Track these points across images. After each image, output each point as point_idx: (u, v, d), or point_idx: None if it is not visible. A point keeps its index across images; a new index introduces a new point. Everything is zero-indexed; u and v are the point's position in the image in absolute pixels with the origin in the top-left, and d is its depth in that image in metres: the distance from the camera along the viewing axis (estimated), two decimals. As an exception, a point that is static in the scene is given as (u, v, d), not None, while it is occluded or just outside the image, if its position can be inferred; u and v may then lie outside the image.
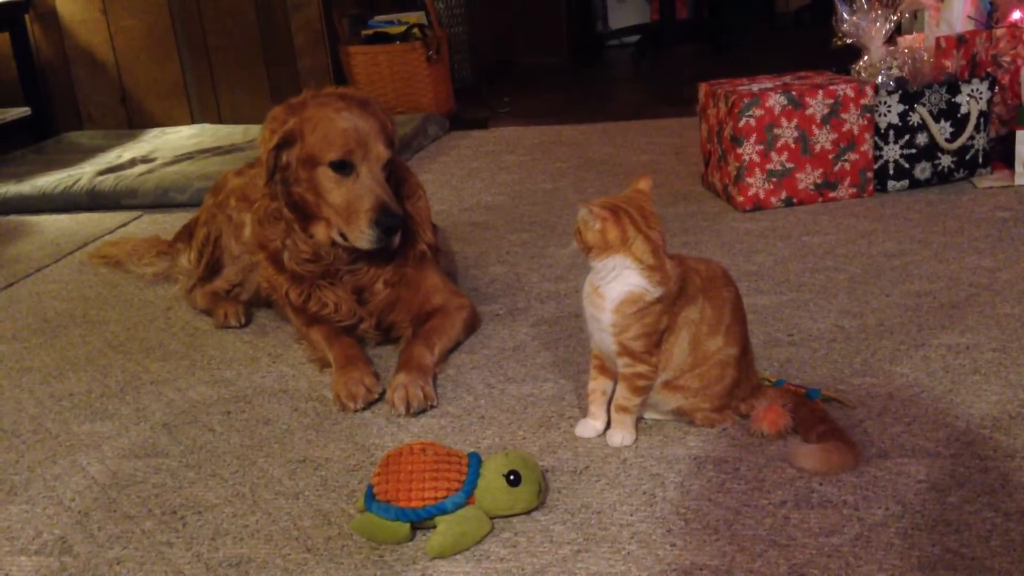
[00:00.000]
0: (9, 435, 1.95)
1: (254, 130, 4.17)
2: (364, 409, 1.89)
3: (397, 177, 2.14)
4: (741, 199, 2.83)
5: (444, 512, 1.44)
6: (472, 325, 2.20)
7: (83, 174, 3.80)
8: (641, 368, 1.61)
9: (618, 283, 1.58)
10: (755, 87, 2.85)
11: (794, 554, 1.34)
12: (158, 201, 3.56)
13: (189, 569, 1.46)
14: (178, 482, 1.71)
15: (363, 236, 2.00)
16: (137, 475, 1.74)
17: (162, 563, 1.48)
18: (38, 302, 2.71)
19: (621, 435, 1.66)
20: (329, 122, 2.00)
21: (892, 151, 2.85)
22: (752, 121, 2.76)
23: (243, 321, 2.39)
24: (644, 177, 1.66)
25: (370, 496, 1.48)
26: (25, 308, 2.67)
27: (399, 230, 2.02)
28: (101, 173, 3.81)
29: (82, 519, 1.62)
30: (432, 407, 1.86)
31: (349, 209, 2.00)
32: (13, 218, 3.63)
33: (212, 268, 2.48)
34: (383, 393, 1.93)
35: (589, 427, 1.71)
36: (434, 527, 1.44)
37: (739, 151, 2.79)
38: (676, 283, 1.59)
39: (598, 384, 1.70)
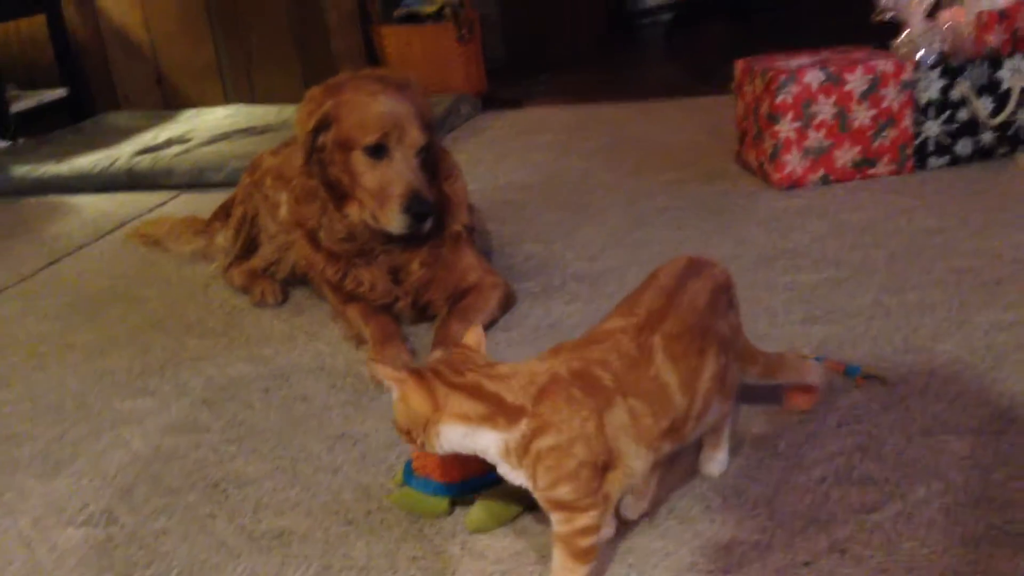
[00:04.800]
0: (54, 411, 1.98)
1: (288, 110, 4.18)
2: (401, 386, 1.90)
3: (434, 158, 2.14)
4: (777, 177, 2.80)
5: (483, 487, 1.44)
6: (507, 303, 2.20)
7: (121, 154, 3.84)
8: (582, 521, 1.22)
9: (482, 452, 1.24)
10: (792, 63, 2.82)
11: (835, 530, 1.34)
12: (194, 181, 3.59)
13: (232, 540, 1.48)
14: (219, 457, 1.73)
15: (394, 221, 2.00)
16: (179, 450, 1.77)
17: (205, 535, 1.50)
18: (79, 280, 2.75)
19: None
20: (364, 106, 2.00)
21: (932, 127, 2.81)
22: (789, 98, 2.73)
23: (280, 299, 2.41)
24: (472, 329, 1.34)
25: (409, 471, 1.49)
26: (67, 286, 2.71)
27: (429, 217, 2.02)
28: (138, 153, 3.85)
29: (127, 492, 1.65)
30: (469, 384, 1.87)
31: (381, 194, 2.00)
32: (53, 198, 3.68)
33: (249, 247, 2.50)
34: (420, 370, 1.94)
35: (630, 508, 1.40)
36: (473, 502, 1.45)
37: (775, 128, 2.76)
38: (545, 395, 1.21)
39: None
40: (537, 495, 1.23)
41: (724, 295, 1.41)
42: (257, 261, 2.48)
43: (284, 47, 4.67)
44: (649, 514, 1.41)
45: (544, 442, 1.19)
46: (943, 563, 1.25)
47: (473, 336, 1.31)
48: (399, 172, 2.00)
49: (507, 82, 4.94)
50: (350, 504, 1.54)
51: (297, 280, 2.46)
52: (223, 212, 2.71)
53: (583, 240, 2.60)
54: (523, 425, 1.20)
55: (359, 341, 2.10)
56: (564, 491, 1.20)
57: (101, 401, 2.00)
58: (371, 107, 2.00)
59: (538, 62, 5.56)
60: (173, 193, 3.55)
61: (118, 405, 1.97)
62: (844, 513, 1.37)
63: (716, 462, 1.50)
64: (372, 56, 4.56)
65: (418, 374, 1.23)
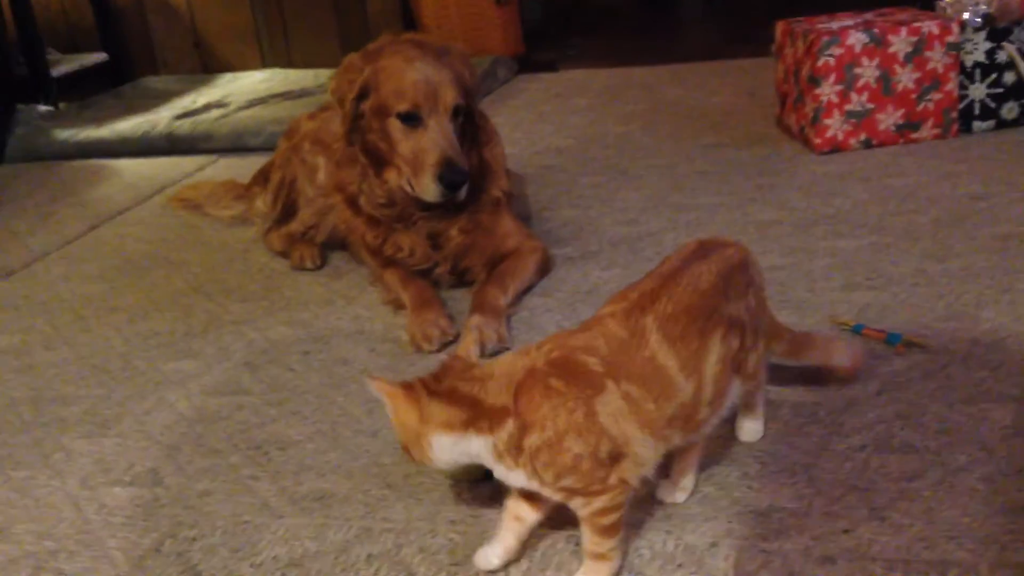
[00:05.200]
0: (100, 371, 2.02)
1: (324, 75, 4.18)
2: (439, 350, 1.92)
3: (473, 124, 2.13)
4: (818, 141, 2.76)
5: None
6: (545, 268, 2.20)
7: (160, 119, 3.87)
8: (599, 503, 1.20)
9: (477, 457, 1.23)
10: (835, 25, 2.77)
11: (874, 498, 1.33)
12: (233, 145, 3.62)
13: (275, 501, 1.51)
14: (261, 419, 1.76)
15: (427, 189, 2.00)
16: (222, 411, 1.80)
17: (249, 495, 1.53)
18: (121, 244, 2.78)
19: None
20: (400, 73, 2.00)
21: (978, 90, 2.75)
22: (831, 60, 2.68)
23: (318, 263, 2.43)
24: (467, 338, 1.35)
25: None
26: (110, 249, 2.75)
27: (463, 185, 2.01)
28: (178, 118, 3.87)
29: (172, 452, 1.68)
30: (506, 349, 1.88)
31: (416, 161, 2.01)
32: (94, 161, 3.72)
33: (287, 211, 2.52)
34: (457, 335, 1.95)
35: (486, 555, 1.31)
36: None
37: (817, 91, 2.72)
38: (524, 391, 1.18)
39: (517, 507, 1.29)
40: (544, 492, 1.21)
41: (739, 275, 1.34)
42: (296, 225, 2.50)
43: (321, 11, 4.66)
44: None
45: (533, 440, 1.17)
46: (983, 532, 1.25)
47: (464, 347, 1.29)
48: (433, 140, 1.99)
49: (543, 45, 4.90)
50: (389, 467, 1.56)
51: (335, 244, 2.47)
52: (262, 176, 2.72)
53: (621, 204, 2.59)
54: (509, 425, 1.17)
55: (397, 305, 2.11)
56: (569, 482, 1.18)
57: (146, 362, 2.03)
58: (407, 74, 2.00)
59: (575, 24, 5.51)
60: (212, 157, 3.58)
61: (162, 367, 2.01)
62: (884, 481, 1.37)
63: (751, 430, 1.49)
64: (409, 19, 4.53)
65: (407, 387, 1.22)
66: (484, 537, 1.36)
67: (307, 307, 2.21)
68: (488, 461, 1.22)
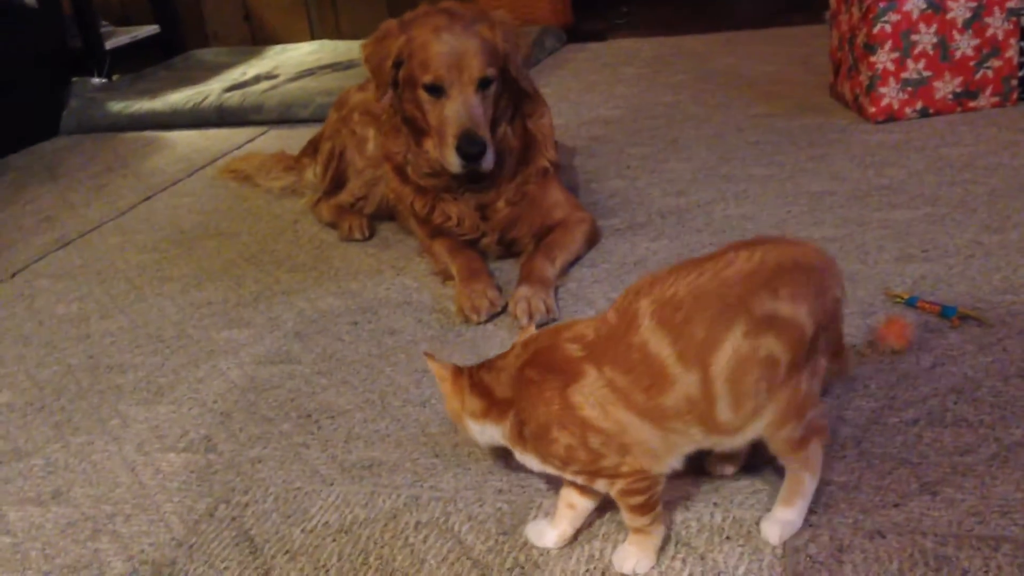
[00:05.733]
0: (154, 340, 2.06)
1: (373, 45, 4.19)
2: (487, 321, 1.92)
3: (519, 94, 2.12)
4: (873, 110, 2.71)
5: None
6: (592, 239, 2.19)
7: (211, 91, 3.91)
8: (621, 484, 1.19)
9: (500, 443, 1.27)
10: (891, -9, 2.71)
11: (926, 472, 1.32)
12: (282, 116, 3.64)
13: (325, 469, 1.53)
14: (311, 388, 1.78)
15: (449, 161, 2.00)
16: (273, 380, 1.82)
17: (300, 463, 1.55)
18: (174, 214, 2.82)
19: (635, 559, 1.23)
20: (427, 44, 1.99)
21: (1040, 57, 2.68)
22: (888, 27, 2.62)
23: (367, 234, 2.44)
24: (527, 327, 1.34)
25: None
26: (163, 220, 2.79)
27: (481, 157, 1.98)
28: (228, 90, 3.91)
29: (224, 420, 1.71)
30: (554, 320, 1.88)
31: (439, 131, 2.01)
32: (147, 133, 3.77)
33: (337, 182, 2.53)
34: (505, 306, 1.95)
35: (541, 532, 1.30)
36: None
37: (872, 59, 2.66)
38: (516, 394, 1.20)
39: (569, 495, 1.28)
40: (563, 476, 1.22)
41: (804, 276, 1.18)
42: (345, 196, 2.51)
43: (369, -19, 4.66)
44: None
45: (527, 431, 1.20)
46: (1039, 508, 1.23)
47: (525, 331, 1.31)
48: (454, 111, 1.98)
49: (592, 14, 4.85)
50: (438, 437, 1.57)
51: (384, 215, 2.48)
52: (311, 148, 2.74)
53: (669, 175, 2.57)
54: (511, 417, 1.21)
55: (445, 276, 2.12)
56: (575, 469, 1.18)
57: (199, 331, 2.07)
58: (431, 45, 1.98)
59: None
60: (262, 129, 3.61)
61: (215, 335, 2.04)
62: (936, 455, 1.35)
63: (773, 525, 1.25)
64: (456, -12, 4.51)
65: (456, 373, 1.26)
66: (531, 506, 1.37)
67: (356, 277, 2.23)
68: (509, 447, 1.25)
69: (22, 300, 2.37)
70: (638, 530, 1.23)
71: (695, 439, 1.18)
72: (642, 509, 1.20)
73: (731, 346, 1.12)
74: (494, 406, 1.22)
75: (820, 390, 1.22)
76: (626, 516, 1.23)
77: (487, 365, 1.26)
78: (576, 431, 1.16)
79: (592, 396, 1.15)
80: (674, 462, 1.20)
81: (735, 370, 1.12)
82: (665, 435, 1.16)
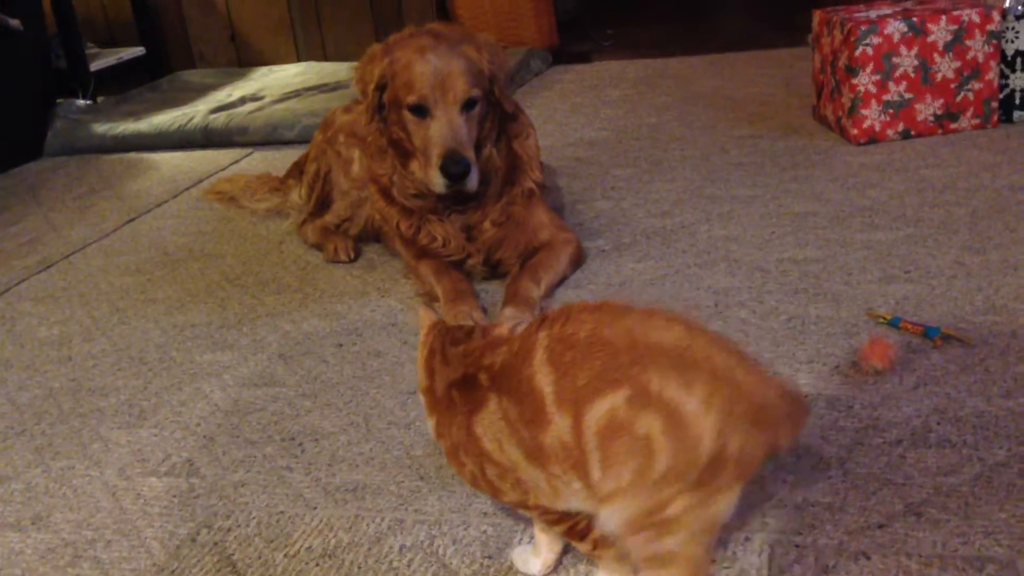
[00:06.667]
0: (137, 362, 2.05)
1: (359, 67, 4.20)
2: (472, 342, 1.92)
3: (505, 116, 2.13)
4: (855, 132, 2.73)
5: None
6: (578, 260, 2.20)
7: (196, 112, 3.91)
8: (534, 514, 1.18)
9: None
10: (873, 13, 2.74)
11: (910, 493, 1.32)
12: (268, 138, 3.64)
13: (308, 493, 1.52)
14: (295, 410, 1.77)
15: (434, 181, 2.01)
16: (257, 403, 1.81)
17: (283, 486, 1.54)
18: (158, 236, 2.81)
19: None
20: (411, 65, 2.00)
21: (1020, 79, 2.71)
22: (869, 50, 2.65)
23: (352, 256, 2.44)
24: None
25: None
26: (147, 241, 2.78)
27: (465, 176, 1.99)
28: (213, 111, 3.91)
29: (207, 443, 1.70)
30: (539, 341, 1.87)
31: (424, 152, 2.02)
32: (132, 155, 3.76)
33: (322, 203, 2.53)
34: (491, 327, 1.95)
35: (527, 560, 1.27)
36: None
37: (854, 81, 2.68)
38: (443, 396, 1.18)
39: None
40: None
41: (733, 396, 1.00)
42: (330, 218, 2.51)
43: (355, 4, 4.68)
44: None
45: (442, 446, 1.20)
46: (1022, 528, 1.23)
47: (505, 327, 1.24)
48: (438, 131, 1.99)
49: (578, 36, 4.88)
50: (422, 459, 1.56)
51: (369, 237, 2.48)
52: (297, 169, 2.74)
53: (654, 196, 2.58)
54: (434, 420, 1.21)
55: (431, 298, 2.12)
56: (484, 492, 1.19)
57: (182, 354, 2.06)
58: (416, 66, 1.99)
59: (609, 15, 5.48)
60: (248, 151, 3.60)
61: (198, 358, 2.03)
62: (920, 476, 1.35)
63: None
64: (443, 11, 4.54)
65: (433, 327, 1.24)
66: (516, 530, 1.36)
67: (341, 299, 2.22)
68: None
69: (3, 323, 2.35)
70: (590, 554, 1.19)
71: (579, 495, 1.07)
72: (573, 535, 1.16)
73: (609, 403, 1.00)
74: (432, 393, 1.20)
75: (705, 541, 1.05)
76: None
77: (461, 337, 1.20)
78: (475, 459, 1.14)
79: (491, 427, 1.10)
80: (570, 507, 1.11)
81: (606, 429, 1.01)
82: (549, 479, 1.07)
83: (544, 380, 1.04)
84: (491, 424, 1.10)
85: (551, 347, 1.05)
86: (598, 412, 1.01)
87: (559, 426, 1.03)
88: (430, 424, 1.22)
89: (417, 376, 1.25)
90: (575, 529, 1.16)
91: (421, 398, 1.24)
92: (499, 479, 1.13)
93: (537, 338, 1.07)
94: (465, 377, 1.15)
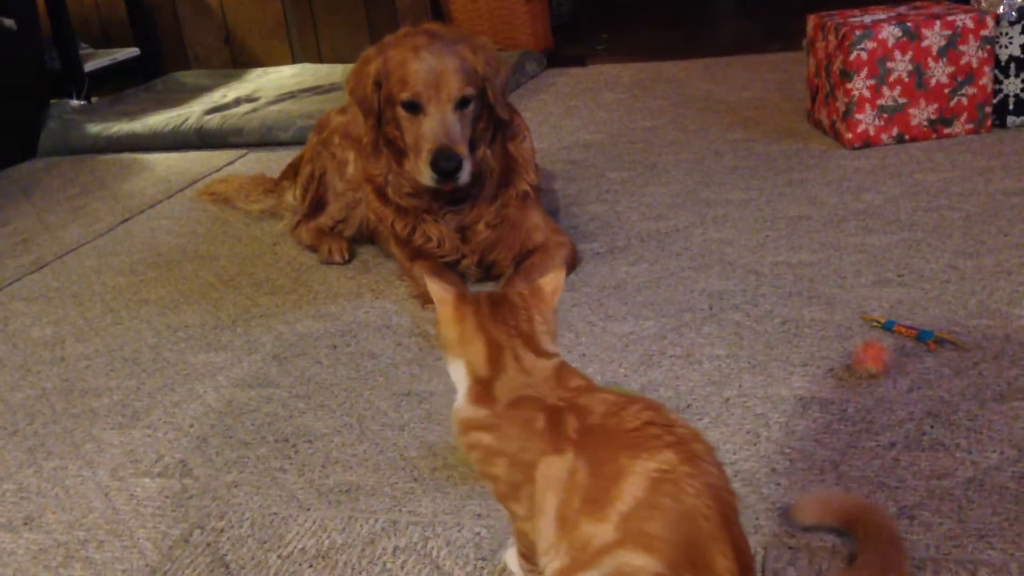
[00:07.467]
0: (130, 363, 2.04)
1: (354, 69, 4.20)
2: (466, 344, 1.92)
3: (499, 118, 2.13)
4: (849, 136, 2.74)
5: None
6: (572, 263, 2.20)
7: (191, 113, 3.90)
8: (508, 507, 1.14)
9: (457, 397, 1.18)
10: (867, 18, 2.74)
11: (904, 496, 1.32)
12: (263, 139, 3.64)
13: (302, 494, 1.51)
14: (289, 411, 1.77)
15: (422, 174, 2.02)
16: (250, 404, 1.81)
17: (276, 488, 1.54)
18: (152, 237, 2.81)
19: None
20: (405, 62, 2.01)
21: (1013, 85, 2.71)
22: (864, 54, 2.66)
23: (347, 257, 2.44)
24: (556, 271, 1.20)
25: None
26: (140, 242, 2.77)
27: (456, 173, 2.00)
28: (208, 112, 3.90)
29: (201, 444, 1.70)
30: (533, 343, 1.87)
31: (416, 148, 2.03)
32: (126, 155, 3.75)
33: (317, 205, 2.53)
34: (485, 329, 1.95)
35: (516, 562, 1.25)
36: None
37: (848, 86, 2.69)
38: (515, 408, 1.11)
39: None
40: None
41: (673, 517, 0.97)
42: (325, 219, 2.51)
43: (350, 6, 4.68)
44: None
45: (484, 438, 1.16)
46: (1014, 531, 1.23)
47: (552, 279, 1.18)
48: (431, 127, 2.00)
49: (572, 39, 4.89)
50: (416, 461, 1.56)
51: (364, 238, 2.48)
52: (291, 170, 2.74)
53: (649, 200, 2.58)
54: (485, 411, 1.17)
55: (425, 300, 2.12)
56: (487, 482, 1.17)
57: (175, 355, 2.05)
58: (410, 63, 2.00)
59: (604, 19, 5.49)
60: (242, 152, 3.60)
61: (192, 359, 2.02)
62: (913, 479, 1.35)
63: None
64: (438, 14, 4.54)
65: (461, 299, 1.19)
66: (510, 531, 1.36)
67: (335, 301, 2.22)
68: (454, 410, 1.20)
69: (-3, 323, 2.34)
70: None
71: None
72: (519, 542, 1.17)
73: (639, 565, 0.97)
74: (488, 384, 1.13)
75: None
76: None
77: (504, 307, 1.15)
78: (518, 467, 1.09)
79: (549, 470, 1.05)
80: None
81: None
82: (553, 545, 1.05)
83: (631, 490, 0.98)
84: (553, 468, 1.05)
85: (659, 482, 0.98)
86: (626, 561, 0.97)
87: (600, 532, 0.99)
88: (472, 408, 1.14)
89: (442, 340, 1.18)
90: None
91: (448, 357, 1.16)
92: (514, 496, 1.10)
93: (657, 447, 1.00)
94: (552, 409, 1.08)
